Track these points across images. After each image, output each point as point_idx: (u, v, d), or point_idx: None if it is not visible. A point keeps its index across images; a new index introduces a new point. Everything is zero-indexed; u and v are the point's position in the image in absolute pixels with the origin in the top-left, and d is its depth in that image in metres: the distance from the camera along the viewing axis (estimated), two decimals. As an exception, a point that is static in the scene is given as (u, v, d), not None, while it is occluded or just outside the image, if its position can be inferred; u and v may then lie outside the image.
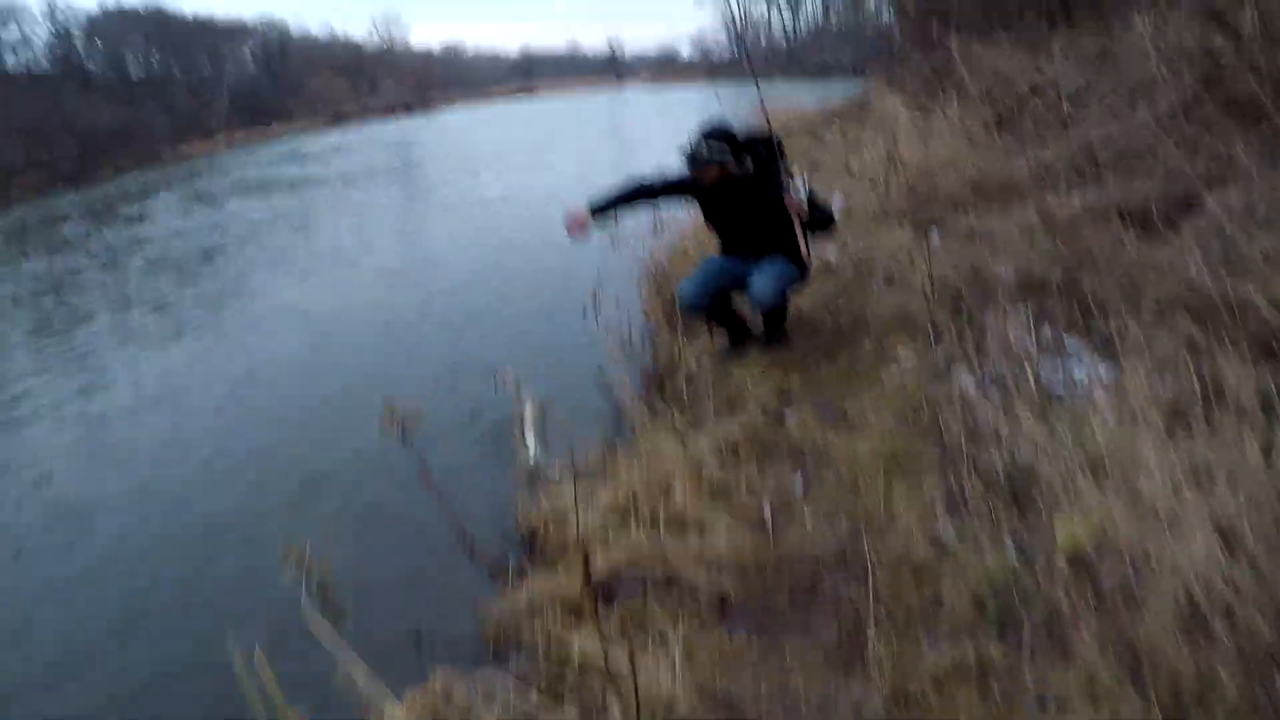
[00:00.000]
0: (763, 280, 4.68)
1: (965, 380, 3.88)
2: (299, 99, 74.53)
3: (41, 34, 59.35)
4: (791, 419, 4.08)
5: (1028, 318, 4.30)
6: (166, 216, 19.86)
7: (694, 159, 4.66)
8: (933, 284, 4.71)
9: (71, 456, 5.94)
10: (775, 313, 4.91)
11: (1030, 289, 4.54)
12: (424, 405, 5.52)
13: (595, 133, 31.57)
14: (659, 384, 5.38)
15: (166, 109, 59.48)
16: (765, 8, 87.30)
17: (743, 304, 5.07)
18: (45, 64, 59.00)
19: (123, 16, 65.59)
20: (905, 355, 4.29)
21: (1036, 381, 3.68)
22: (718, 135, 4.66)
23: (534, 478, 4.20)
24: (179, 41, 68.80)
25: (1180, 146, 5.67)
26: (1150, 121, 6.62)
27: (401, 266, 10.49)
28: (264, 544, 3.93)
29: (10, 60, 56.07)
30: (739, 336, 5.17)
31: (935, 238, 6.02)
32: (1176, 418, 3.07)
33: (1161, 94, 6.65)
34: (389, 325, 7.91)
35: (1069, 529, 2.73)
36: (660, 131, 24.39)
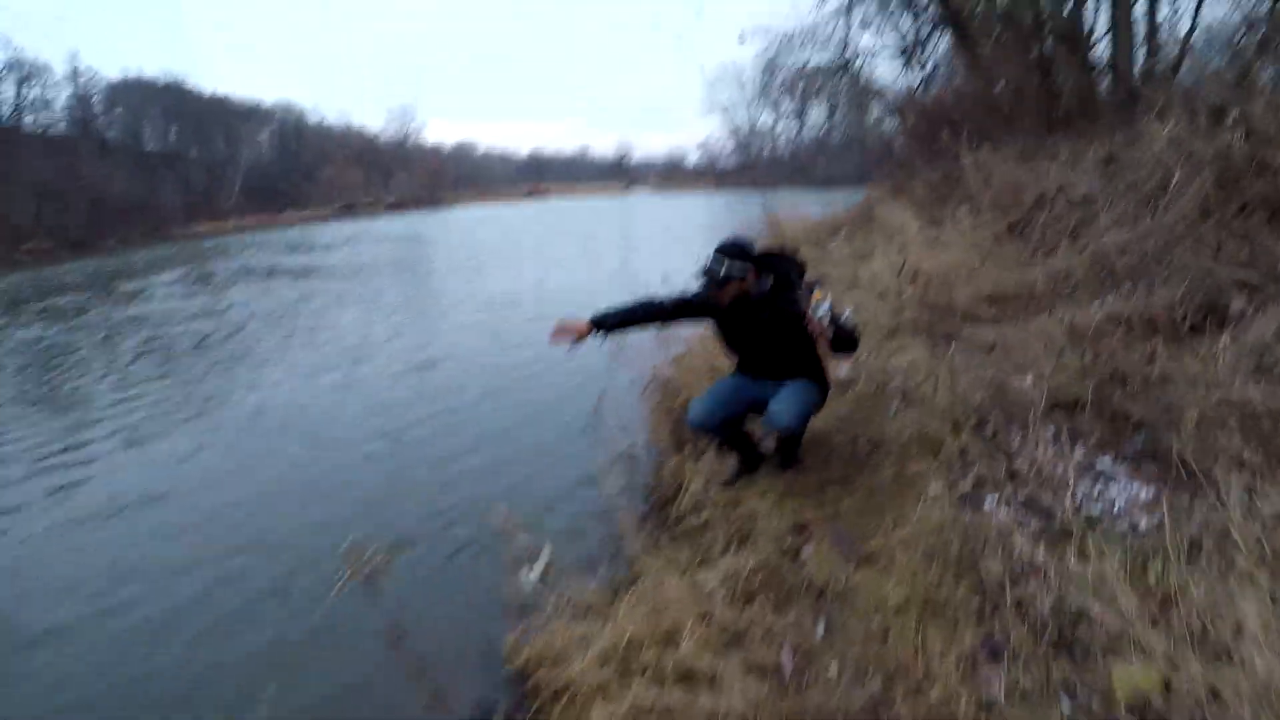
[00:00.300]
0: (784, 404, 4.41)
1: (998, 509, 3.61)
2: (312, 186, 75.54)
3: (62, 96, 59.77)
4: (809, 554, 3.79)
5: (1059, 437, 4.07)
6: (168, 297, 19.62)
7: (713, 277, 4.41)
8: (955, 402, 4.46)
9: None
10: (793, 438, 4.66)
11: (1058, 406, 4.30)
12: (408, 535, 5.36)
13: (603, 235, 31.73)
14: (663, 508, 5.11)
15: (180, 185, 60.52)
16: (771, 118, 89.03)
17: (753, 423, 4.84)
18: (63, 126, 59.34)
19: (142, 87, 66.72)
20: (930, 481, 4.01)
21: (1076, 509, 3.42)
22: (737, 252, 4.43)
23: (526, 615, 3.88)
24: (196, 118, 70.08)
25: (1199, 252, 5.49)
26: (1164, 227, 6.47)
27: (400, 370, 10.15)
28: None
29: (29, 120, 56.30)
30: (750, 461, 4.92)
31: (953, 352, 5.79)
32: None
33: (1174, 198, 6.49)
34: (381, 437, 7.58)
35: (1131, 678, 2.46)
36: (668, 235, 24.42)
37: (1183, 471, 3.54)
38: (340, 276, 21.80)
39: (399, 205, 75.86)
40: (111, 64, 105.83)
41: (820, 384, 4.58)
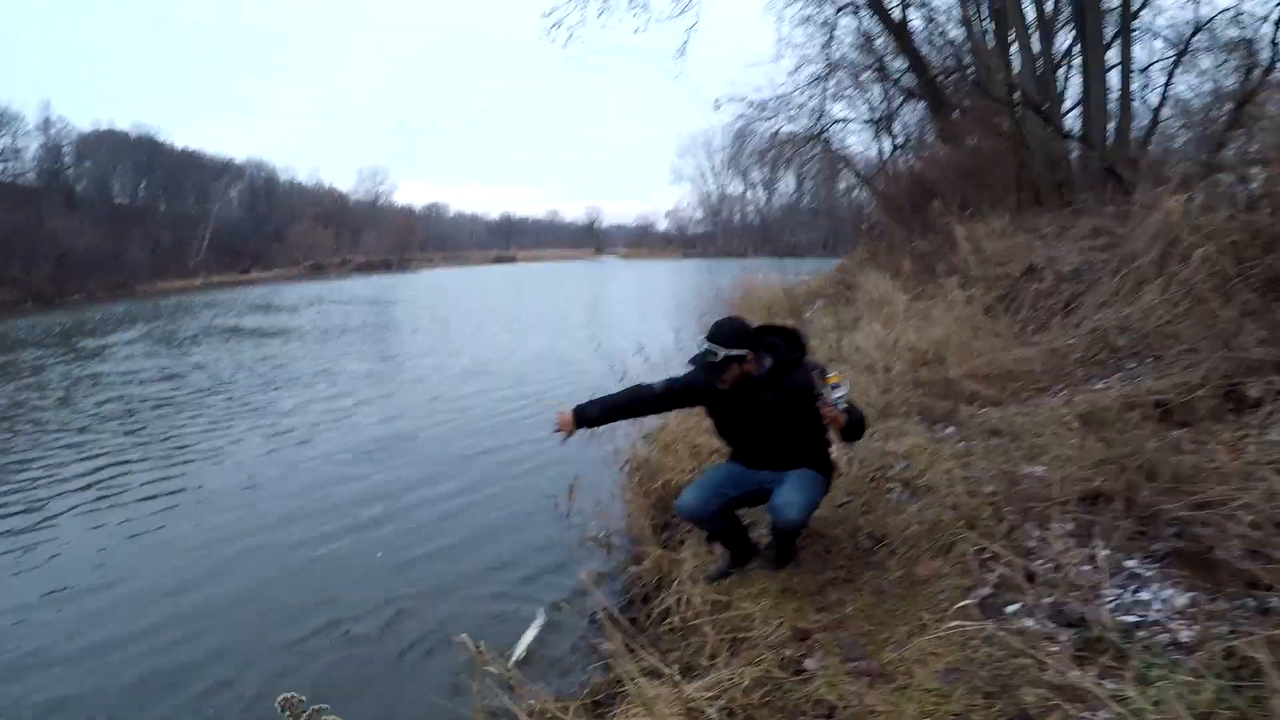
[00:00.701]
0: (791, 495, 4.11)
1: (1023, 618, 3.27)
2: (279, 245, 75.81)
3: (33, 146, 60.11)
4: (814, 666, 3.42)
5: (1081, 534, 3.75)
6: (129, 357, 19.52)
7: (710, 365, 4.08)
8: (965, 494, 4.14)
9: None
10: (794, 533, 4.32)
11: (1076, 498, 3.96)
12: (361, 633, 4.96)
13: (574, 303, 31.61)
14: (643, 602, 4.78)
15: (148, 240, 60.48)
16: (741, 186, 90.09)
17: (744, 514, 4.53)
18: (32, 177, 59.61)
19: (114, 139, 66.98)
20: (944, 584, 3.68)
21: (1110, 619, 3.08)
22: (734, 338, 4.10)
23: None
24: (167, 172, 70.36)
25: (1211, 331, 5.23)
26: (1167, 304, 6.23)
27: (360, 446, 9.80)
28: None
29: None
30: (742, 556, 4.57)
31: (956, 437, 5.49)
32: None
33: (1177, 274, 6.26)
34: (340, 518, 7.27)
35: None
36: (640, 301, 24.23)
37: (1220, 575, 3.22)
38: (307, 340, 21.50)
39: (367, 267, 76.44)
40: (84, 115, 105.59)
41: (825, 473, 4.28)
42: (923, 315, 8.94)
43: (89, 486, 8.47)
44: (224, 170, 79.33)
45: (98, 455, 9.75)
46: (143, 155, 69.39)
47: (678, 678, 3.46)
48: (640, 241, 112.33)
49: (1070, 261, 8.90)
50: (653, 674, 3.66)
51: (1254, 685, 2.56)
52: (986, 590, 3.50)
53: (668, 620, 4.30)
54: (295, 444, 9.99)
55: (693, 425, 7.02)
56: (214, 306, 35.84)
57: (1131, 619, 3.13)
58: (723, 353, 4.02)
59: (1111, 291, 7.23)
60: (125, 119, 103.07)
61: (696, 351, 4.17)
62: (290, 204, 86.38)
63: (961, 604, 3.46)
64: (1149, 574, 3.39)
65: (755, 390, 4.16)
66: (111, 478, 8.69)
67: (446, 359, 17.27)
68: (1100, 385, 5.69)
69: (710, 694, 3.32)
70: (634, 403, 4.43)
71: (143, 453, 9.76)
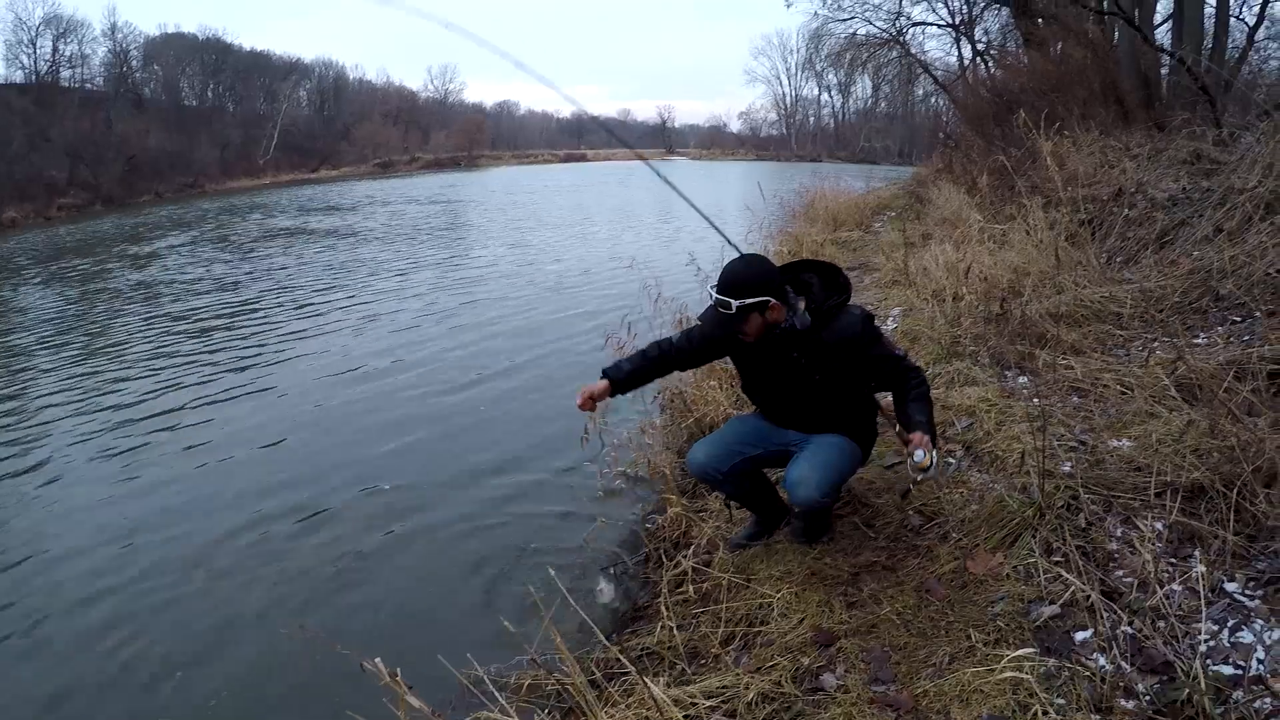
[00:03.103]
0: (808, 471, 3.38)
1: (1094, 653, 2.59)
2: (348, 144, 75.62)
3: (99, 52, 60.45)
4: (832, 685, 2.78)
5: (1173, 539, 3.03)
6: (186, 261, 19.26)
7: (724, 319, 3.27)
8: (1036, 470, 3.40)
9: None
10: (820, 512, 3.62)
11: (1170, 489, 3.22)
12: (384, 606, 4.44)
13: (643, 205, 30.71)
14: (661, 564, 4.09)
15: (216, 141, 60.87)
16: (816, 89, 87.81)
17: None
18: (100, 83, 59.99)
19: (181, 42, 67.42)
20: (1002, 591, 2.99)
21: (1204, 666, 2.38)
22: (748, 281, 3.23)
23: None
24: (235, 74, 70.63)
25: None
26: (1278, 248, 5.36)
27: (394, 367, 9.16)
28: None
29: (65, 75, 56.97)
30: (770, 520, 3.90)
31: (1031, 392, 4.72)
32: None
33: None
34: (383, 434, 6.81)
35: None
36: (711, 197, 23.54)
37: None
38: (370, 242, 21.11)
39: (436, 165, 75.71)
40: (149, 19, 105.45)
41: (864, 441, 3.60)
42: (999, 239, 8.06)
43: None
44: (292, 70, 78.93)
45: (104, 386, 9.34)
46: (210, 57, 69.37)
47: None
48: (713, 142, 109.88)
49: (1165, 188, 7.95)
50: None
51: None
52: (1053, 609, 2.80)
53: (681, 589, 3.71)
54: (321, 374, 9.33)
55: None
56: (282, 206, 35.69)
57: (1228, 670, 2.43)
58: (735, 304, 3.18)
59: (1214, 227, 6.33)
60: (191, 23, 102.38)
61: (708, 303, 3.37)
62: (359, 102, 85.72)
63: (1020, 624, 2.78)
64: (1253, 604, 2.67)
65: (782, 345, 3.38)
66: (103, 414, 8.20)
67: (502, 262, 16.67)
68: (1202, 340, 4.88)
69: (710, 701, 2.77)
70: (658, 360, 3.72)
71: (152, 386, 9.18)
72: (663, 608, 3.52)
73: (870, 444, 3.69)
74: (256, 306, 12.95)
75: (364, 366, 9.05)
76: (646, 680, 2.70)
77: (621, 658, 3.08)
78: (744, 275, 3.24)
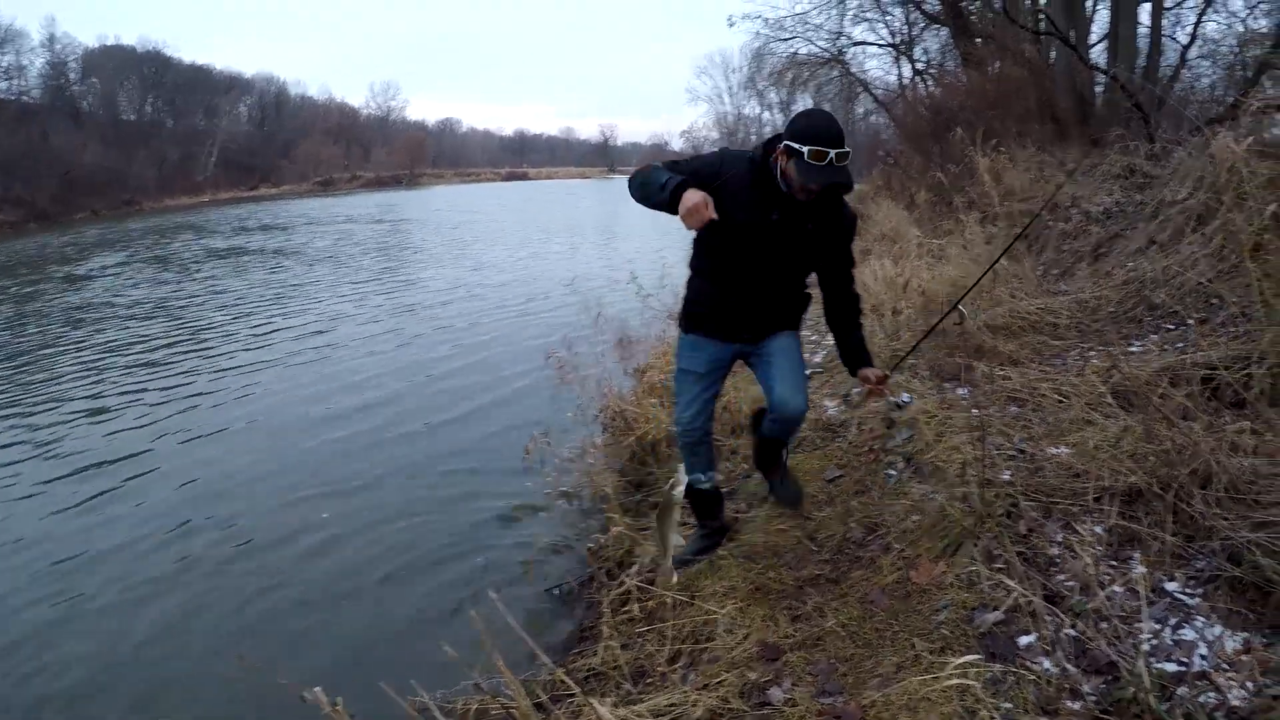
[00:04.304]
0: (789, 388, 3.55)
1: (1039, 656, 2.63)
2: (288, 160, 74.80)
3: (37, 63, 59.54)
4: (779, 698, 2.80)
5: (1112, 542, 3.09)
6: (119, 281, 18.81)
7: (821, 171, 3.11)
8: (975, 479, 3.46)
9: None
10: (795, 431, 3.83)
11: (1109, 494, 3.29)
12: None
13: (586, 222, 30.86)
14: (606, 583, 4.11)
15: (154, 158, 59.94)
16: (757, 108, 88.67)
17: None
18: (37, 94, 58.94)
19: (120, 54, 66.08)
20: (946, 599, 3.03)
21: (1145, 673, 2.43)
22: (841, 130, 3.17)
23: None
24: (175, 88, 69.41)
25: (1275, 296, 4.49)
26: (1209, 257, 5.52)
27: (331, 390, 9.09)
28: None
29: (1, 86, 55.99)
30: (717, 531, 3.98)
31: (969, 402, 4.79)
32: None
33: (1225, 224, 5.53)
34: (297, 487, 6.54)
35: None
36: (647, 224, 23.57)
37: (1276, 614, 2.59)
38: (309, 263, 20.82)
39: (377, 183, 75.29)
40: (89, 30, 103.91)
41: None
42: (937, 253, 8.20)
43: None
44: (232, 85, 78.19)
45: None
46: (150, 70, 68.33)
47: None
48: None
49: (1100, 201, 8.17)
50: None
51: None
52: (996, 615, 2.85)
53: (626, 608, 3.70)
54: (253, 405, 9.12)
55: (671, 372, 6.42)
56: (220, 225, 35.19)
57: (1172, 667, 2.50)
58: (833, 153, 3.09)
59: (1147, 239, 6.52)
60: (131, 34, 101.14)
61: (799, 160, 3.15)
62: (300, 119, 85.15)
63: (965, 631, 2.82)
64: (1193, 602, 2.75)
65: (804, 214, 3.34)
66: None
67: (443, 282, 16.62)
68: (1137, 348, 5.01)
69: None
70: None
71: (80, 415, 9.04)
72: (606, 628, 3.52)
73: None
74: (197, 330, 12.77)
75: (302, 392, 8.96)
76: (594, 701, 2.70)
77: (567, 679, 3.02)
78: (839, 126, 3.17)
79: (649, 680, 3.18)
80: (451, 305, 13.93)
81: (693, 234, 3.49)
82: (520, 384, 8.53)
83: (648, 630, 3.49)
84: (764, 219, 3.33)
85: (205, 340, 11.73)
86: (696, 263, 3.64)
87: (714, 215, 3.08)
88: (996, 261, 4.94)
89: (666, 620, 3.46)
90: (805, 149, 3.09)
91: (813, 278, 3.70)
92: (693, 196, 3.06)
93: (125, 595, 4.90)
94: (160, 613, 4.72)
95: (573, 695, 2.99)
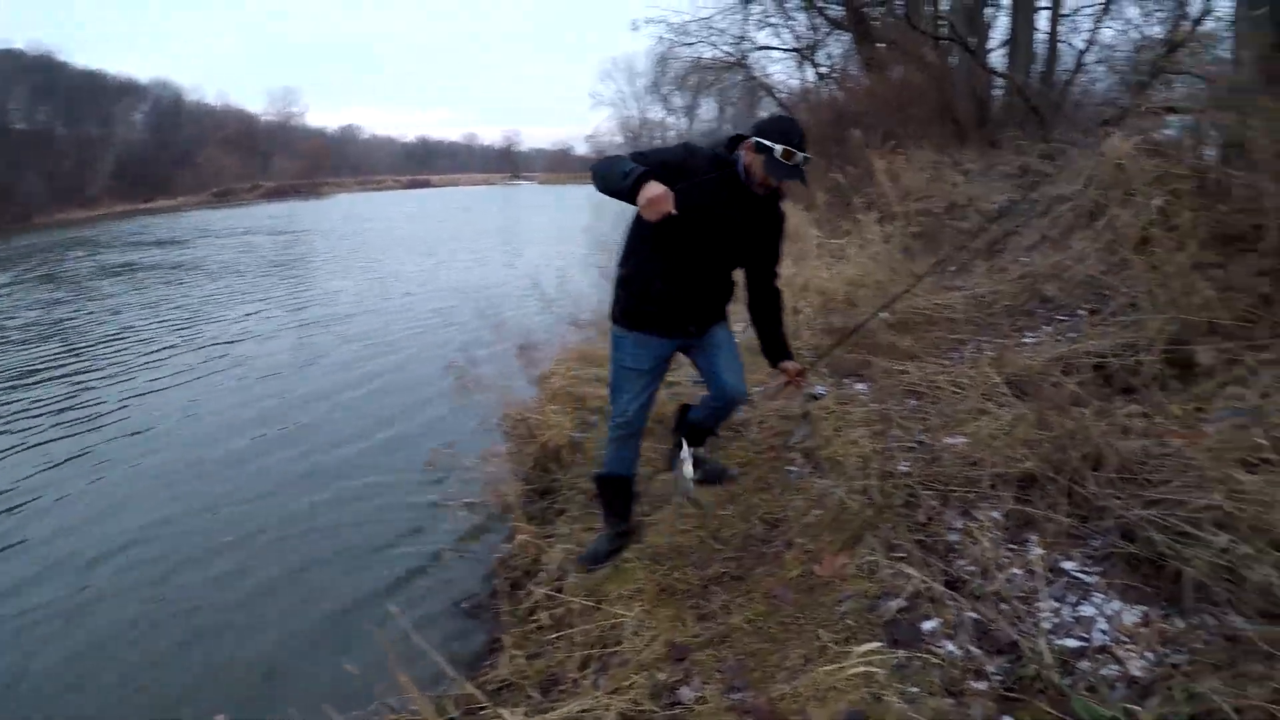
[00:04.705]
0: (734, 376, 3.82)
1: (942, 641, 2.67)
2: (186, 171, 72.32)
3: None
4: (690, 698, 2.81)
5: (1009, 526, 3.17)
6: (9, 302, 17.79)
7: (784, 168, 3.37)
8: (874, 471, 3.52)
9: None
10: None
11: (1004, 480, 3.37)
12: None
13: (487, 230, 30.67)
14: (513, 594, 4.12)
15: (46, 169, 56.97)
16: (662, 112, 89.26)
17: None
18: None
19: (8, 59, 63.00)
20: (849, 589, 3.06)
21: (1046, 650, 2.49)
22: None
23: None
24: (67, 95, 66.28)
25: (1153, 286, 4.67)
26: (1099, 252, 5.71)
27: (234, 410, 8.80)
28: None
29: None
30: (627, 529, 4.01)
31: (867, 397, 4.87)
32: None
33: (1112, 219, 5.72)
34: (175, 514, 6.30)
35: None
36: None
37: (1174, 583, 2.66)
38: (203, 278, 20.12)
39: (277, 193, 73.34)
40: None
41: None
42: (836, 253, 8.33)
43: None
44: (127, 91, 75.15)
45: None
46: (40, 76, 65.28)
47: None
48: (559, 166, 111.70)
49: (995, 200, 8.40)
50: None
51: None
52: (899, 601, 2.89)
53: (535, 617, 3.71)
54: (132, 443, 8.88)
55: (580, 375, 6.44)
56: (114, 239, 33.70)
57: (1073, 642, 2.57)
58: (800, 155, 3.38)
59: (1040, 235, 6.72)
60: (21, 38, 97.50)
61: (767, 158, 3.39)
62: (198, 127, 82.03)
63: (869, 620, 2.86)
64: (1091, 580, 2.83)
65: (760, 209, 3.61)
66: None
67: (345, 297, 16.18)
68: (1030, 340, 5.16)
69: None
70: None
71: None
72: (515, 638, 3.54)
73: None
74: (94, 352, 12.17)
75: (205, 414, 8.67)
76: (504, 713, 2.72)
77: (477, 693, 3.03)
78: (801, 130, 3.45)
79: (561, 688, 3.18)
80: (356, 319, 13.64)
81: (628, 231, 3.64)
82: (425, 396, 8.43)
83: (557, 638, 3.49)
84: (727, 213, 3.48)
85: (103, 362, 11.25)
86: (645, 260, 3.65)
87: (673, 210, 3.12)
88: (931, 271, 5.03)
89: (575, 626, 3.45)
90: (778, 148, 3.34)
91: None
92: (655, 188, 3.10)
93: (22, 632, 4.69)
94: (61, 647, 4.53)
95: (484, 709, 2.97)
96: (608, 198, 3.29)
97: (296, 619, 4.60)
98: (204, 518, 5.96)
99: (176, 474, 6.84)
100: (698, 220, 3.40)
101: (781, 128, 3.42)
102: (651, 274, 3.61)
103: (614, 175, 3.22)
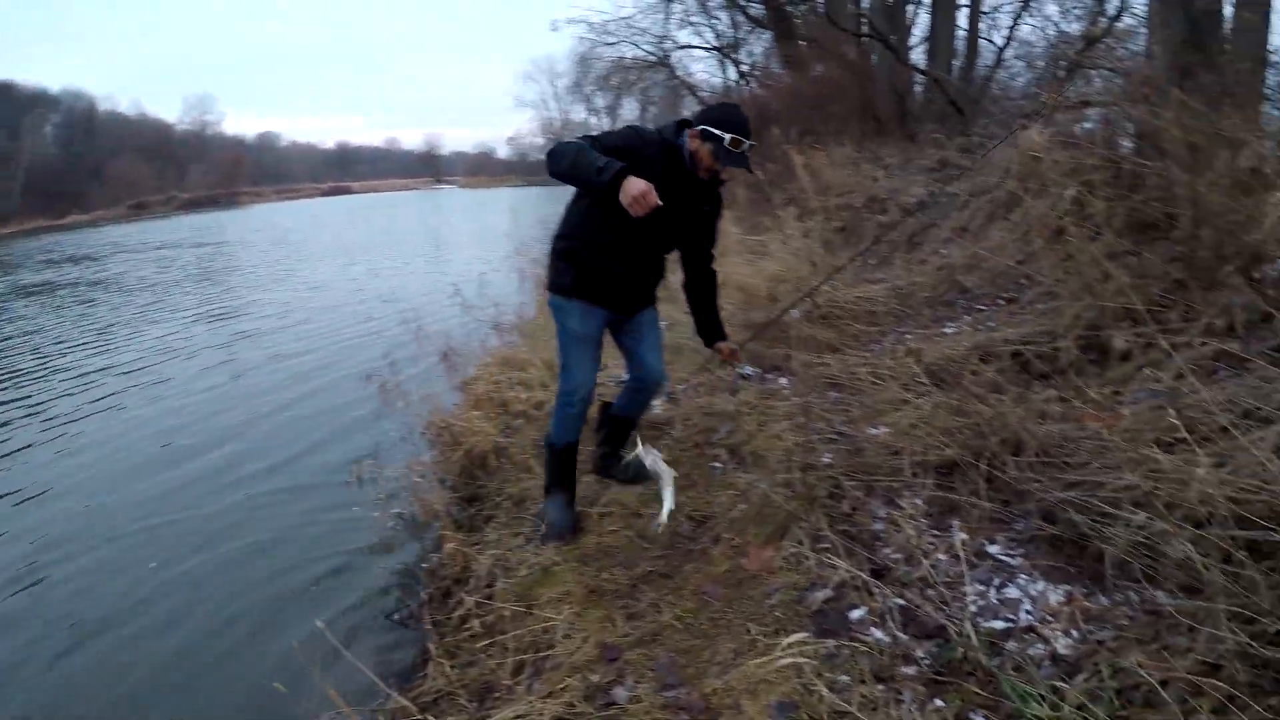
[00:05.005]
0: (658, 359, 3.97)
1: (869, 628, 2.69)
2: (100, 183, 70.35)
3: None
4: (624, 697, 2.80)
5: (933, 513, 3.22)
6: None
7: (733, 156, 3.51)
8: (798, 464, 3.54)
9: None
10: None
11: (926, 468, 3.42)
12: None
13: (409, 236, 30.44)
14: (445, 602, 4.09)
15: None
16: (584, 112, 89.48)
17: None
18: None
19: None
20: (777, 581, 3.07)
21: (974, 625, 2.52)
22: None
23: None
24: None
25: (1069, 275, 4.78)
26: (1016, 242, 5.82)
27: (156, 430, 8.52)
28: None
29: None
30: (571, 505, 4.09)
31: (789, 391, 4.90)
32: None
33: (1028, 210, 5.84)
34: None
35: None
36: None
37: (1096, 562, 2.72)
38: (119, 295, 19.44)
39: (194, 204, 71.65)
40: None
41: None
42: (757, 249, 8.38)
43: None
44: (38, 101, 73.10)
45: None
46: None
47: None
48: (481, 169, 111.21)
49: (914, 193, 8.53)
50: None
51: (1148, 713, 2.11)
52: (826, 592, 2.91)
53: (467, 625, 3.64)
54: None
55: (507, 376, 6.42)
56: (26, 257, 32.60)
57: (999, 624, 2.62)
58: (747, 143, 3.54)
59: (960, 227, 6.83)
60: None
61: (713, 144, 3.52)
62: (112, 138, 79.86)
63: (797, 611, 2.88)
64: (1015, 562, 2.89)
65: (704, 192, 3.71)
66: None
67: (268, 308, 15.71)
68: (950, 330, 5.25)
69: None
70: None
71: None
72: (446, 647, 3.51)
73: None
74: (9, 376, 11.72)
75: (127, 436, 8.31)
76: None
77: (410, 705, 3.03)
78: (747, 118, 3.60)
79: (495, 695, 3.14)
80: (282, 332, 13.29)
81: (572, 207, 3.75)
82: (349, 408, 8.25)
83: (489, 645, 3.45)
84: (672, 196, 3.43)
85: (19, 387, 10.89)
86: (592, 236, 3.69)
87: (660, 202, 3.21)
88: (850, 264, 5.08)
89: (507, 632, 3.42)
90: (727, 136, 3.46)
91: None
92: (638, 185, 3.18)
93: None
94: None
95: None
96: (558, 184, 3.40)
97: (220, 638, 4.46)
98: (125, 540, 5.73)
99: (96, 506, 6.55)
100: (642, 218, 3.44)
101: (728, 116, 3.54)
102: (597, 250, 3.66)
103: (585, 167, 3.29)
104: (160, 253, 30.66)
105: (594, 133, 3.62)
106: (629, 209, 3.20)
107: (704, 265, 3.98)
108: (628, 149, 3.44)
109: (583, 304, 3.72)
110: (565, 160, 3.36)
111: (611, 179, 3.23)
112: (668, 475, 3.71)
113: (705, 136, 3.51)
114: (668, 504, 3.66)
